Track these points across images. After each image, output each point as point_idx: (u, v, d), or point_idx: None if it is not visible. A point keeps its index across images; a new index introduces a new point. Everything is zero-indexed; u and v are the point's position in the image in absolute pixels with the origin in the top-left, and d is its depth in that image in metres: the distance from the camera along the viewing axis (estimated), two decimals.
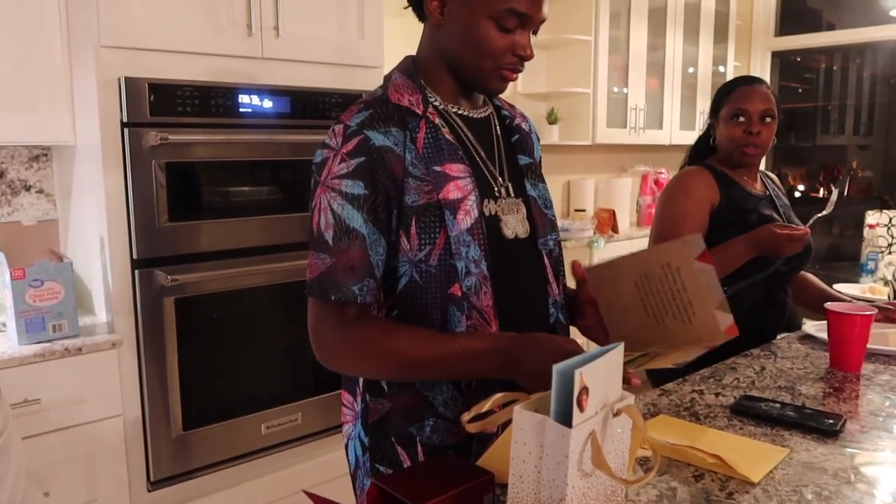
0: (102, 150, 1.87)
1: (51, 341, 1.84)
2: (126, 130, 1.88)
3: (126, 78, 1.86)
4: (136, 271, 1.94)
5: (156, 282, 1.96)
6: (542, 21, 1.07)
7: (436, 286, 1.02)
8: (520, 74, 1.09)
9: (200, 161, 2.02)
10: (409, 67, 1.11)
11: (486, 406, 0.84)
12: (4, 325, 1.91)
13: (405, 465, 1.07)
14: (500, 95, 1.17)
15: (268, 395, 2.21)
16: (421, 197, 1.01)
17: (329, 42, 2.29)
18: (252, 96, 2.08)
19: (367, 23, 2.37)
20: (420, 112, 1.05)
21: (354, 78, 2.35)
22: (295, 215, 2.22)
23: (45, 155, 2.24)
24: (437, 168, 1.02)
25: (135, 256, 1.94)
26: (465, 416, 0.85)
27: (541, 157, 1.28)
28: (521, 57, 1.05)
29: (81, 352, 1.86)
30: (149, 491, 2.02)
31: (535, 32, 1.08)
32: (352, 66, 2.34)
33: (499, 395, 0.85)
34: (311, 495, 0.81)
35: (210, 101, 2.01)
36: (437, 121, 1.06)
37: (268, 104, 2.12)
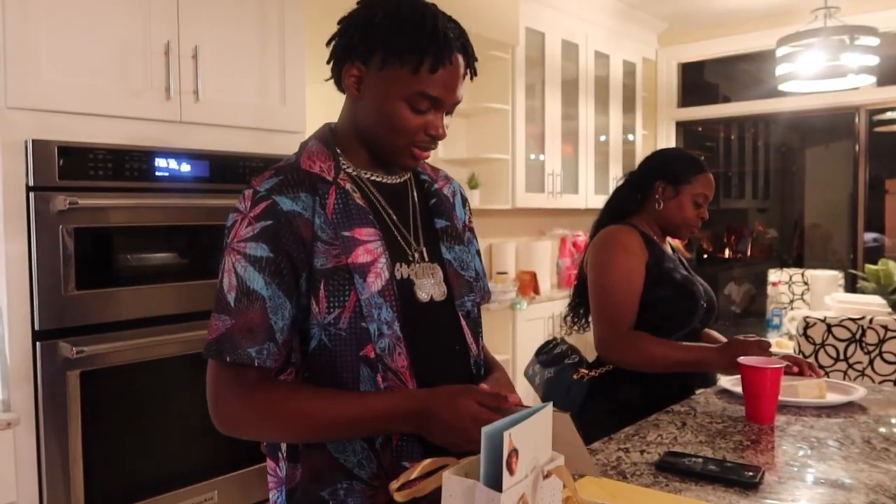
0: (4, 215, 1.77)
1: None
2: (32, 194, 1.79)
3: (33, 140, 1.79)
4: (37, 343, 1.82)
5: (59, 354, 1.84)
6: (456, 103, 1.09)
7: (346, 349, 1.02)
8: (441, 141, 1.11)
9: (113, 226, 1.94)
10: (326, 135, 1.12)
11: (414, 473, 0.82)
12: None
13: None
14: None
15: (182, 472, 2.08)
16: (329, 261, 1.02)
17: (250, 107, 2.28)
18: (169, 160, 2.04)
19: (288, 88, 2.38)
20: (331, 178, 1.06)
21: (275, 143, 2.34)
22: (211, 282, 2.13)
23: None
24: (346, 233, 1.03)
25: (37, 327, 1.82)
26: (394, 485, 0.82)
27: (470, 217, 1.29)
28: (432, 137, 1.07)
29: None
30: None
31: (449, 113, 1.10)
32: (273, 131, 2.34)
33: (427, 462, 0.82)
34: None
35: (124, 165, 1.95)
36: (349, 186, 1.07)
37: (185, 168, 2.07)
